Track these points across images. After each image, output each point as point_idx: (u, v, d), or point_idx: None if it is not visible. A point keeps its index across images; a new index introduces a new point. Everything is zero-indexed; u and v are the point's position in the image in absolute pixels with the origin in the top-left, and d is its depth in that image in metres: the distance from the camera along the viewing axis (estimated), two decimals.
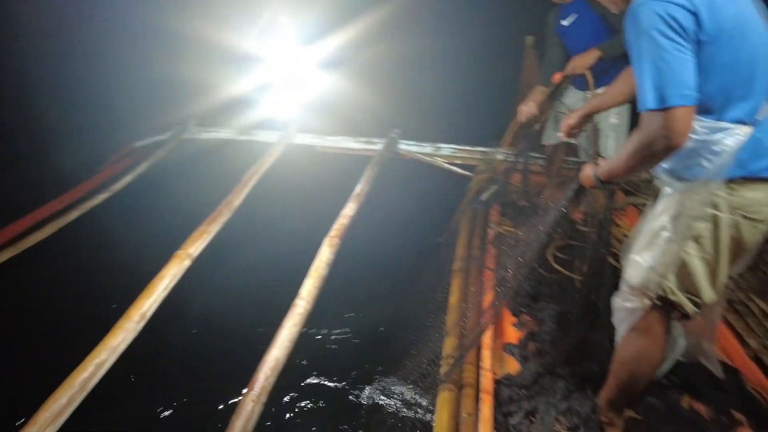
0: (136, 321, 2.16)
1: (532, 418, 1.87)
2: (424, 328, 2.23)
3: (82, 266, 3.20)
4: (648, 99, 1.19)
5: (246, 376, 1.86)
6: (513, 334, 2.39)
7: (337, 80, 4.42)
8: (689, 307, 1.51)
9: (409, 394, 2.20)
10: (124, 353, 2.01)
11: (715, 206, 1.37)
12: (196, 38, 3.96)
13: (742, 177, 1.34)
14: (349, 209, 2.93)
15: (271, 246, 3.27)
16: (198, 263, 2.60)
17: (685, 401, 2.02)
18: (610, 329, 1.80)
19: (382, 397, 2.29)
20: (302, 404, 2.37)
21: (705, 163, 1.33)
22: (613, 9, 1.53)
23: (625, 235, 3.15)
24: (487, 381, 1.97)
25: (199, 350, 2.62)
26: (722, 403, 2.03)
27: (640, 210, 3.38)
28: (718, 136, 1.30)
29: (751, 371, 2.21)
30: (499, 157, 4.14)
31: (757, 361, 2.24)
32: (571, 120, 1.89)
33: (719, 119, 1.31)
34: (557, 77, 2.95)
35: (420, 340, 2.19)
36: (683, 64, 1.17)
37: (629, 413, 1.93)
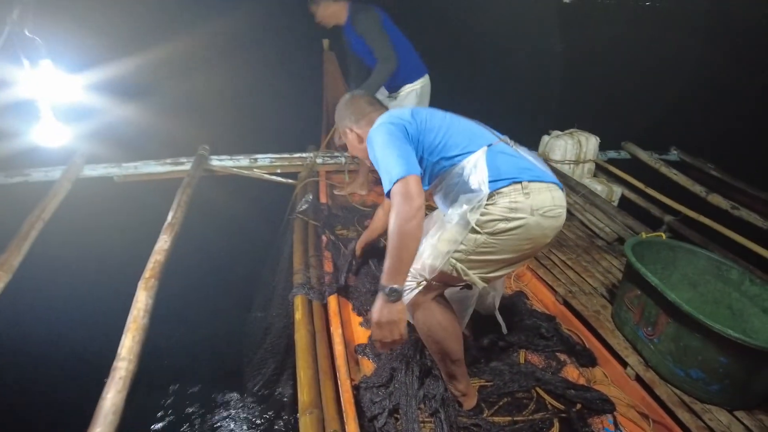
0: None
1: (397, 416, 1.88)
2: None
3: None
4: (393, 175, 1.47)
5: None
6: (362, 334, 2.39)
7: (134, 107, 3.90)
8: (480, 283, 1.71)
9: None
10: None
11: (518, 210, 1.60)
12: None
13: (527, 180, 1.62)
14: (163, 242, 2.58)
15: (72, 303, 2.72)
16: None
17: (522, 357, 2.24)
18: None
19: None
20: None
21: (474, 180, 1.64)
22: (355, 153, 1.99)
23: None
24: (346, 391, 1.91)
25: None
26: (549, 349, 2.30)
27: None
28: (469, 164, 1.66)
29: (563, 315, 2.54)
30: (318, 160, 4.13)
31: (566, 305, 2.59)
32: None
33: (462, 157, 1.68)
34: None
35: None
36: (405, 152, 1.56)
37: (479, 382, 2.07)
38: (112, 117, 3.73)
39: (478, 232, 1.62)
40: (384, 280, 1.45)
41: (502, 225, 1.61)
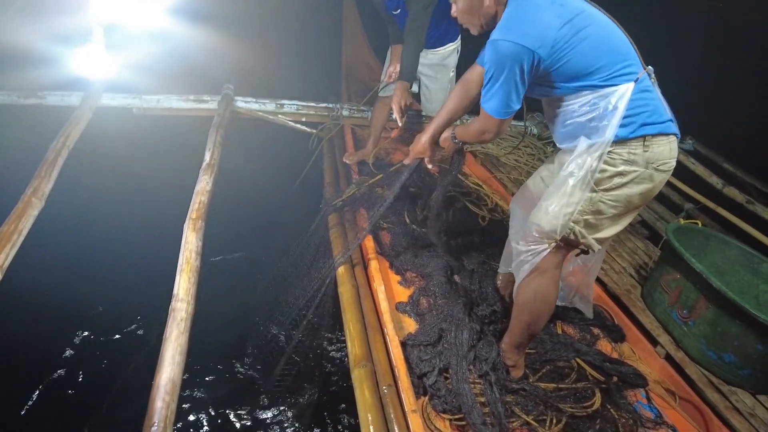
0: None
1: (446, 375, 1.92)
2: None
3: None
4: (491, 108, 1.63)
5: (139, 410, 1.45)
6: (402, 293, 2.41)
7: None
8: (596, 246, 1.73)
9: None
10: None
11: (633, 162, 1.58)
12: None
13: (651, 134, 1.55)
14: (205, 183, 2.51)
15: (112, 238, 2.62)
16: (12, 276, 1.93)
17: (559, 328, 2.31)
18: None
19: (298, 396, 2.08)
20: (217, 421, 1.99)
21: (605, 122, 1.54)
22: (473, 31, 1.78)
23: (477, 184, 3.40)
24: (395, 347, 1.94)
25: (65, 397, 1.99)
26: (582, 322, 2.37)
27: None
28: (608, 98, 1.54)
29: (594, 291, 2.61)
30: (345, 112, 4.04)
31: (597, 281, 2.65)
32: (420, 148, 2.10)
33: (604, 87, 1.55)
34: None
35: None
36: (517, 95, 1.58)
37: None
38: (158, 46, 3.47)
39: (594, 191, 1.62)
40: (458, 135, 1.96)
41: (617, 180, 1.60)
